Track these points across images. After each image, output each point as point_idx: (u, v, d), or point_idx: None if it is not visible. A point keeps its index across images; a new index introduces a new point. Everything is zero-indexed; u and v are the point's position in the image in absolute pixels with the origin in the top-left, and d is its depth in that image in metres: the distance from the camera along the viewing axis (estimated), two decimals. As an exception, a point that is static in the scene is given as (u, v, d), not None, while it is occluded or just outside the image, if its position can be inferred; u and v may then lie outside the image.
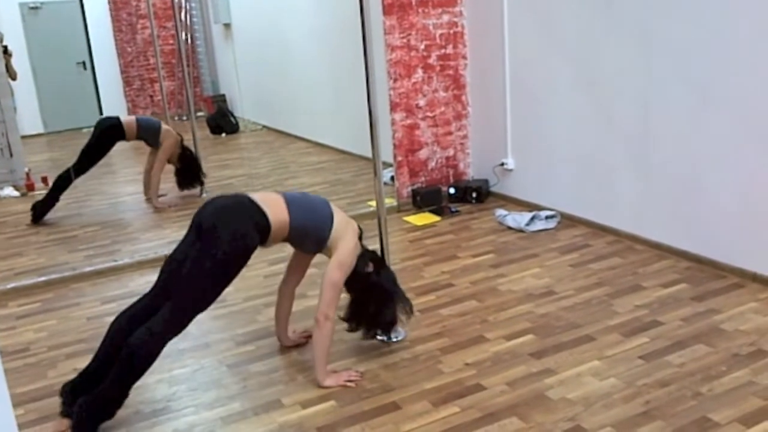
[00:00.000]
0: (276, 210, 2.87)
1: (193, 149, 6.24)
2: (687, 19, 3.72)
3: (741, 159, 3.59)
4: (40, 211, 5.75)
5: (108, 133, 5.84)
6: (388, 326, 3.16)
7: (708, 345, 3.05)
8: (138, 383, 3.06)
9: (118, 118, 5.93)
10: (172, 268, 2.81)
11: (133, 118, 6.02)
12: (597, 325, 3.31)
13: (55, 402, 2.98)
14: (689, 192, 3.92)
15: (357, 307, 3.09)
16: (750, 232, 3.63)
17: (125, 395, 2.70)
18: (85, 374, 2.78)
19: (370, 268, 3.04)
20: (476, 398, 2.78)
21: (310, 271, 3.31)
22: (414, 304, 3.64)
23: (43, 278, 4.42)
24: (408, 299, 3.15)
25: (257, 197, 2.87)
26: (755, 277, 3.63)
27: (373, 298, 3.05)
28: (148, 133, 5.95)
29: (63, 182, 5.76)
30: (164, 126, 6.01)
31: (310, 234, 2.95)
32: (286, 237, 2.94)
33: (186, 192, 6.22)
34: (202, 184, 6.21)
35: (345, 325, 3.13)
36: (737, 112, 3.56)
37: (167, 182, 6.10)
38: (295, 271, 3.25)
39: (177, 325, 2.73)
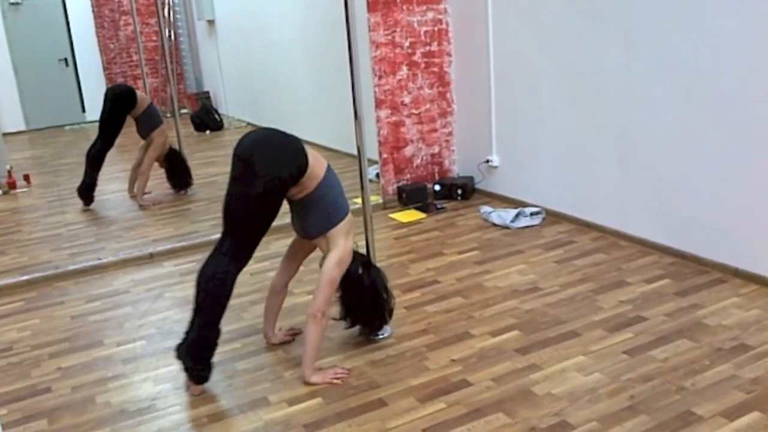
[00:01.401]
0: (317, 162, 2.90)
1: (177, 146, 6.21)
2: (669, 15, 3.75)
3: (723, 155, 3.62)
4: (85, 195, 5.78)
5: (121, 99, 5.79)
6: (381, 325, 3.24)
7: (691, 340, 3.08)
8: (123, 381, 3.07)
9: (133, 88, 5.89)
10: (227, 205, 2.87)
11: (147, 97, 6.00)
12: (581, 321, 3.33)
13: (39, 401, 2.97)
14: (672, 188, 3.95)
15: (351, 307, 3.13)
16: (732, 228, 3.66)
17: (216, 327, 2.86)
18: (189, 332, 2.90)
19: (361, 270, 3.06)
20: (462, 394, 2.78)
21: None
22: (400, 300, 3.67)
23: (25, 277, 4.38)
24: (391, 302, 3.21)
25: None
26: (737, 273, 3.67)
27: (367, 299, 3.10)
28: (149, 120, 5.91)
29: (95, 160, 5.75)
30: (164, 125, 6.00)
31: (326, 207, 2.92)
32: (307, 194, 2.89)
33: (172, 191, 6.20)
34: (190, 184, 6.20)
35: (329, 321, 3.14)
36: (720, 109, 3.59)
37: (151, 180, 6.06)
38: (291, 264, 3.23)
39: (242, 256, 2.88)
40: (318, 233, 2.98)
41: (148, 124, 5.91)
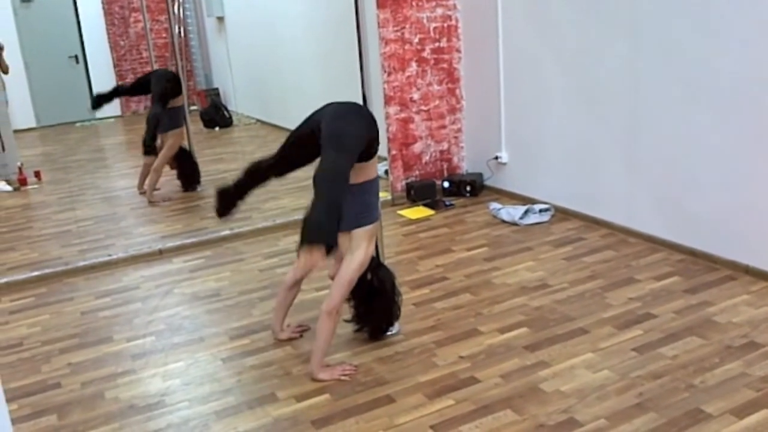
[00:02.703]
0: (375, 163, 3.00)
1: (187, 143, 6.23)
2: (677, 12, 3.73)
3: (733, 152, 3.60)
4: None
5: (172, 79, 5.96)
6: (387, 327, 3.25)
7: (701, 337, 3.06)
8: (133, 377, 3.08)
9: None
10: (294, 147, 3.08)
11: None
12: (590, 318, 3.32)
13: (49, 396, 2.98)
14: (682, 185, 3.93)
15: (361, 311, 3.16)
16: (742, 225, 3.64)
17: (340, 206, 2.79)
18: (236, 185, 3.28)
19: (370, 275, 3.07)
20: (470, 391, 2.78)
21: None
22: (408, 297, 3.67)
23: (36, 273, 4.40)
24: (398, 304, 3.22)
25: None
26: (748, 270, 3.65)
27: (376, 302, 3.12)
28: (174, 117, 5.96)
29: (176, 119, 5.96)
30: (182, 128, 6.06)
31: (360, 205, 2.95)
32: (351, 184, 2.89)
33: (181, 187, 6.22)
34: (198, 182, 6.21)
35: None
36: (729, 106, 3.57)
37: (161, 176, 6.07)
38: None
39: (335, 193, 2.75)
40: (343, 229, 2.98)
41: (172, 121, 5.94)
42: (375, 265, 3.13)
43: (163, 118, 5.89)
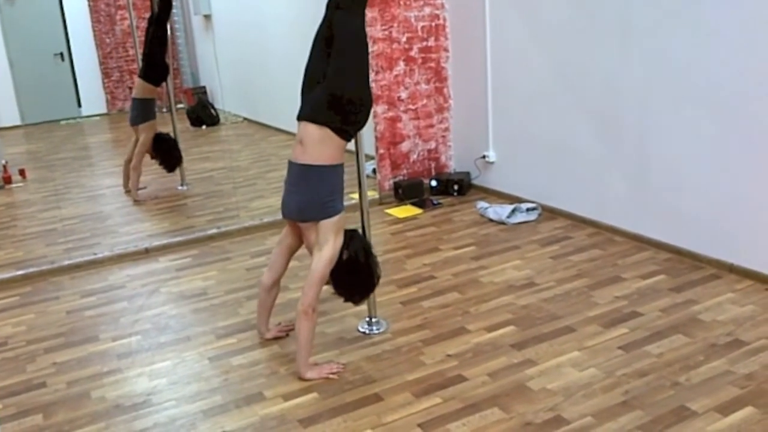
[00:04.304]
0: (344, 147, 3.00)
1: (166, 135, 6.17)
2: (667, 11, 3.75)
3: (719, 152, 3.63)
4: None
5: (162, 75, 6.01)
6: (362, 298, 3.13)
7: (686, 335, 3.09)
8: (119, 376, 3.06)
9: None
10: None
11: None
12: (577, 317, 3.34)
13: (34, 396, 2.96)
14: (668, 184, 3.95)
15: (341, 286, 3.05)
16: (727, 224, 3.67)
17: None
18: None
19: (344, 255, 2.99)
20: (458, 389, 2.79)
21: (291, 263, 3.29)
22: (396, 296, 3.67)
23: (21, 272, 4.37)
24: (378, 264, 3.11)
25: None
26: (732, 268, 3.68)
27: (354, 276, 3.03)
28: (147, 109, 5.89)
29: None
30: (155, 121, 5.99)
31: (325, 192, 2.92)
32: (321, 165, 2.92)
33: (167, 186, 6.17)
34: (180, 160, 6.14)
35: (325, 317, 3.12)
36: (714, 105, 3.59)
37: (147, 175, 6.05)
38: (279, 260, 3.17)
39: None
40: (310, 218, 2.94)
41: (145, 112, 5.86)
42: (347, 239, 3.03)
43: (135, 110, 5.83)
